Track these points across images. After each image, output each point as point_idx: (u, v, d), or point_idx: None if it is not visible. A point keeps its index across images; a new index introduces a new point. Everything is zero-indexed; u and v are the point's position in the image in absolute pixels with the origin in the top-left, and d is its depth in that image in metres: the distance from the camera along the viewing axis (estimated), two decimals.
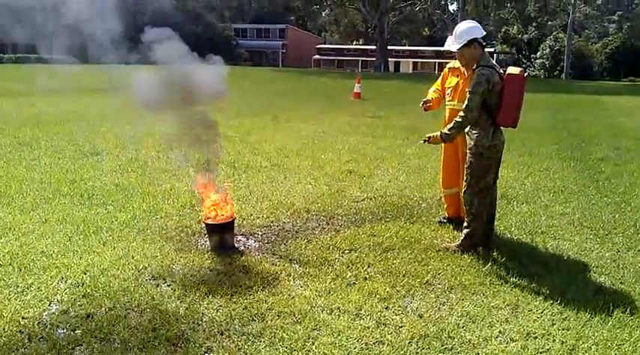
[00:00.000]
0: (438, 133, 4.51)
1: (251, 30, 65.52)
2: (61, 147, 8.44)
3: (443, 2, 54.56)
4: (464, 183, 4.51)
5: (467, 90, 4.36)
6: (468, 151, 4.47)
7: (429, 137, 4.57)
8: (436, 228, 5.18)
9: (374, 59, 53.59)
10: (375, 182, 6.91)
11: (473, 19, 4.62)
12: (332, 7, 62.64)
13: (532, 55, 60.91)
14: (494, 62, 4.39)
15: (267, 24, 65.75)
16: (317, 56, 68.33)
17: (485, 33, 4.45)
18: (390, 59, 54.63)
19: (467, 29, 4.37)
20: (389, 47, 53.99)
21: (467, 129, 4.46)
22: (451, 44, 4.52)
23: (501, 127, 4.43)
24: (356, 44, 74.00)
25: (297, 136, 10.27)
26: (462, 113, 4.34)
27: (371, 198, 6.15)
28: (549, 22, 58.47)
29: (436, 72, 55.25)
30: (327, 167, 7.65)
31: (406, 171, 7.60)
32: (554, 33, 58.30)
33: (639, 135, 11.92)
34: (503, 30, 62.39)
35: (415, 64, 65.59)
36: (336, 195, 6.20)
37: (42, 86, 16.64)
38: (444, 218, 5.36)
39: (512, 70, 4.30)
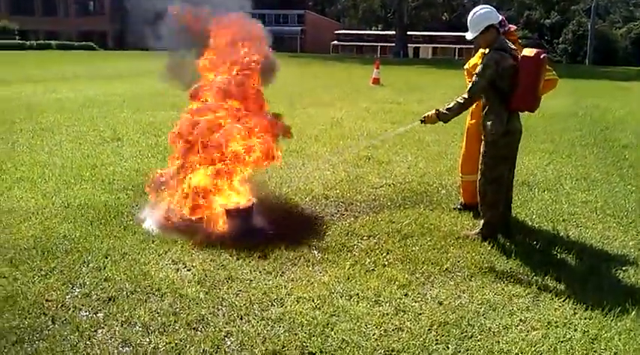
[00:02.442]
0: (434, 112, 4.38)
1: (269, 15, 65.26)
2: (83, 133, 8.54)
3: None
4: (478, 172, 4.44)
5: (474, 72, 4.27)
6: (482, 139, 4.39)
7: (425, 117, 4.46)
8: (455, 215, 5.14)
9: (393, 45, 53.10)
10: (394, 168, 6.87)
11: (486, 4, 4.47)
12: None
13: (555, 40, 59.78)
14: (509, 45, 4.24)
15: (286, 9, 65.43)
16: (336, 42, 67.90)
17: (500, 17, 4.30)
18: (409, 45, 54.01)
19: (482, 15, 4.23)
20: (408, 33, 53.33)
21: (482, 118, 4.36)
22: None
23: (519, 113, 4.31)
24: (375, 30, 73.34)
25: (315, 122, 10.24)
26: (465, 95, 4.25)
27: (390, 185, 6.12)
28: (572, 7, 57.26)
29: (456, 57, 54.55)
30: (345, 153, 7.63)
31: (425, 157, 7.54)
32: (577, 17, 57.16)
33: None
34: (525, 15, 61.24)
35: (435, 49, 64.84)
36: (355, 182, 6.18)
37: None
38: (461, 204, 5.31)
39: (527, 51, 4.15)
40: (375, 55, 53.60)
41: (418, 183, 6.23)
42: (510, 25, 4.68)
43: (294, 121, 10.09)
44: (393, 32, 54.27)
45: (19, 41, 41.08)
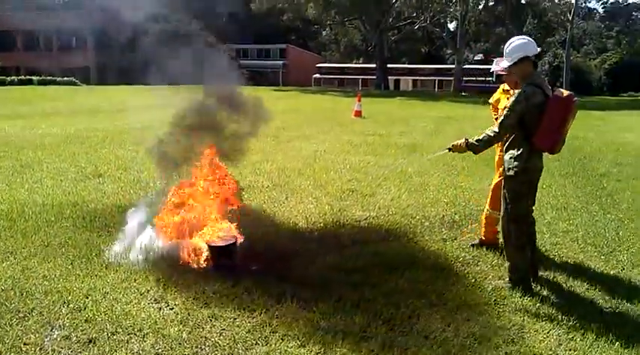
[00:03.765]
0: (463, 141, 4.30)
1: (252, 50, 66.01)
2: (64, 170, 8.46)
3: (442, 21, 54.66)
4: (502, 211, 4.32)
5: (505, 106, 4.22)
6: (504, 175, 4.29)
7: (454, 145, 4.39)
8: (440, 246, 5.16)
9: (374, 77, 53.89)
10: (378, 201, 6.90)
11: (525, 36, 4.31)
12: (332, 27, 63.12)
13: None
14: (543, 81, 4.16)
15: (268, 44, 66.29)
16: (317, 75, 68.73)
17: (539, 50, 4.19)
18: (389, 77, 54.78)
19: (520, 45, 4.13)
20: (388, 65, 54.23)
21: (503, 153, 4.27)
22: (497, 64, 4.44)
23: (541, 152, 4.18)
24: (356, 63, 74.51)
25: (299, 156, 10.29)
26: (494, 128, 4.16)
27: (373, 217, 6.14)
28: (547, 39, 58.83)
29: (436, 89, 55.43)
30: (328, 186, 7.65)
31: (408, 189, 7.59)
32: (553, 49, 58.68)
33: None
34: (501, 47, 62.65)
35: (415, 81, 65.90)
36: (339, 215, 6.19)
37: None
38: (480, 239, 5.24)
39: (559, 91, 4.04)
40: (357, 87, 54.32)
41: (401, 215, 6.26)
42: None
43: (277, 155, 10.18)
44: (374, 65, 55.08)
45: (0, 77, 40.89)
